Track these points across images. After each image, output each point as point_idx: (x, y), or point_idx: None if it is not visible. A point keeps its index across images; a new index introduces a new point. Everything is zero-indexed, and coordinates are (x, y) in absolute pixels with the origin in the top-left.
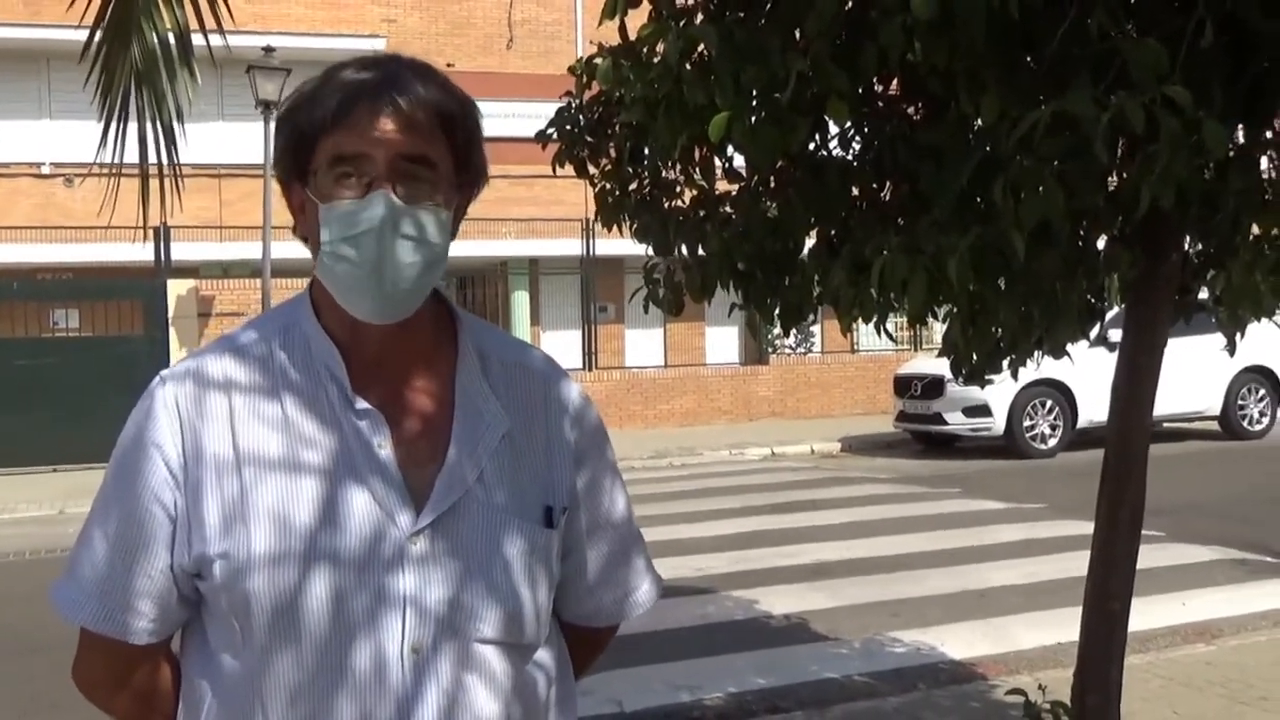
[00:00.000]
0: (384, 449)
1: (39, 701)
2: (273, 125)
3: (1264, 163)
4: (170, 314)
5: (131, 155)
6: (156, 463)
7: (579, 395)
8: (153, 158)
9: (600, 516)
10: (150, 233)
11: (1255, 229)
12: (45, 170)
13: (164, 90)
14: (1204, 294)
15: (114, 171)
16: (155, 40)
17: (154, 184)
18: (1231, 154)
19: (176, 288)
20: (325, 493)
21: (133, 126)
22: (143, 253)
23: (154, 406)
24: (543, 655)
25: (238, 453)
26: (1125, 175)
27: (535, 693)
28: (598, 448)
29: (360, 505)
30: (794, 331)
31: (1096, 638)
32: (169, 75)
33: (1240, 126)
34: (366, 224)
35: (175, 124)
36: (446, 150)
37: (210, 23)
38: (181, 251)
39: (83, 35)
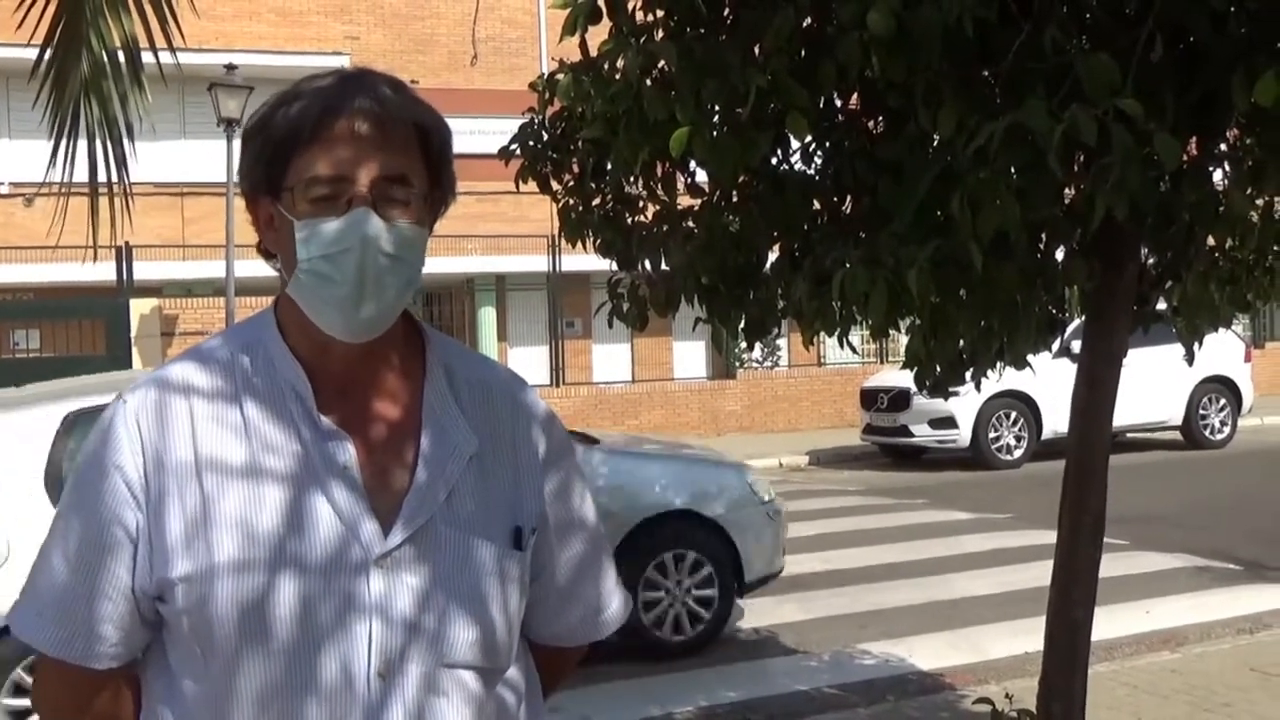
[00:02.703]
0: (349, 467)
1: None
2: (236, 143)
3: (1217, 175)
4: (133, 334)
5: (82, 174)
6: (116, 484)
7: (545, 408)
8: (103, 176)
9: (569, 524)
10: (112, 252)
11: (1210, 240)
12: (4, 190)
13: (114, 107)
14: (1162, 305)
15: (64, 190)
16: (104, 54)
17: (105, 202)
18: (1184, 166)
19: (139, 307)
20: (289, 501)
21: (83, 145)
22: (104, 272)
23: (114, 425)
24: (512, 674)
25: (199, 459)
26: (1081, 187)
27: (505, 712)
28: (565, 458)
29: (324, 516)
30: (759, 345)
31: (1060, 646)
32: (119, 91)
33: (1193, 139)
34: (347, 242)
35: (126, 141)
36: (422, 167)
37: (160, 41)
38: (144, 270)
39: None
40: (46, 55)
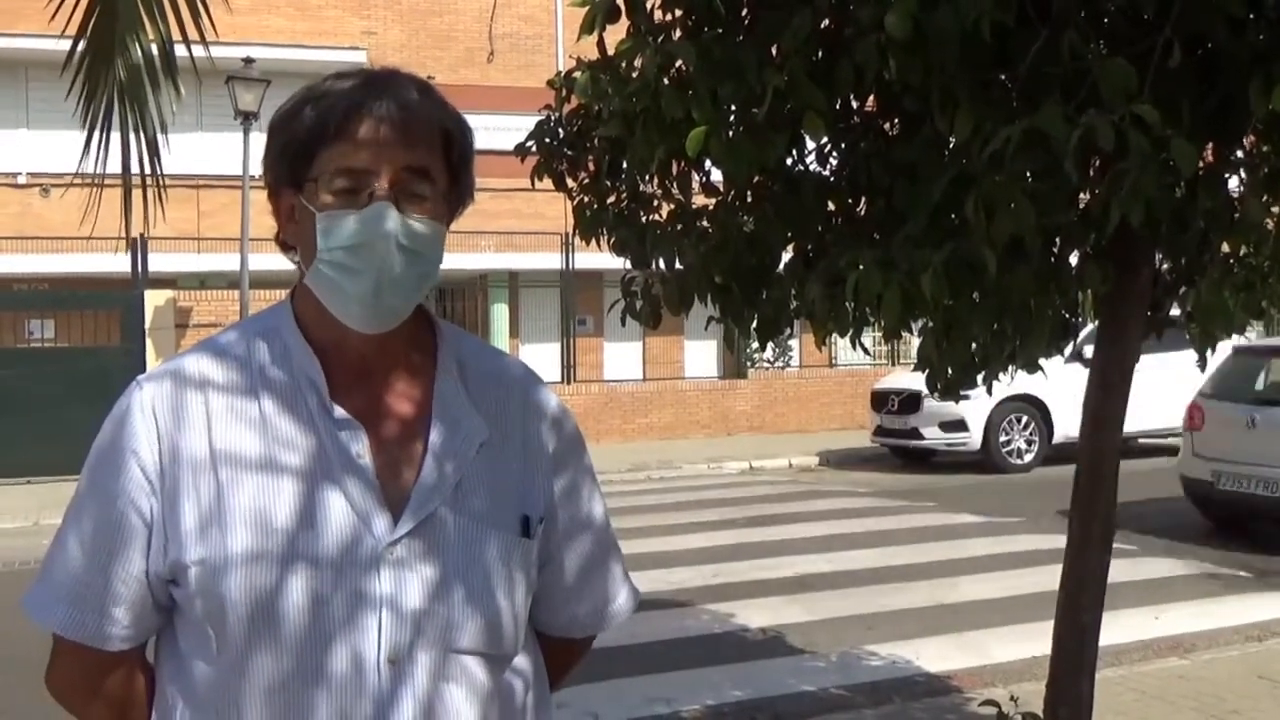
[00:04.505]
0: (362, 457)
1: (8, 715)
2: (253, 136)
3: (1233, 181)
4: (147, 325)
5: (114, 166)
6: (132, 468)
7: (557, 403)
8: (135, 169)
9: (578, 521)
10: (127, 244)
11: (1225, 246)
12: (22, 180)
13: (148, 104)
14: (1176, 310)
15: (96, 182)
16: (139, 55)
17: (136, 195)
18: (1200, 172)
19: (154, 299)
20: (303, 494)
21: (115, 137)
22: (120, 263)
23: (130, 411)
24: (520, 662)
25: (214, 452)
26: (1097, 192)
27: (513, 699)
28: (575, 454)
29: (338, 508)
30: (771, 345)
31: (1068, 650)
32: (153, 88)
33: (1210, 145)
34: (366, 236)
35: (159, 135)
36: (443, 166)
37: (193, 34)
38: (159, 262)
39: (62, 45)
40: (80, 46)
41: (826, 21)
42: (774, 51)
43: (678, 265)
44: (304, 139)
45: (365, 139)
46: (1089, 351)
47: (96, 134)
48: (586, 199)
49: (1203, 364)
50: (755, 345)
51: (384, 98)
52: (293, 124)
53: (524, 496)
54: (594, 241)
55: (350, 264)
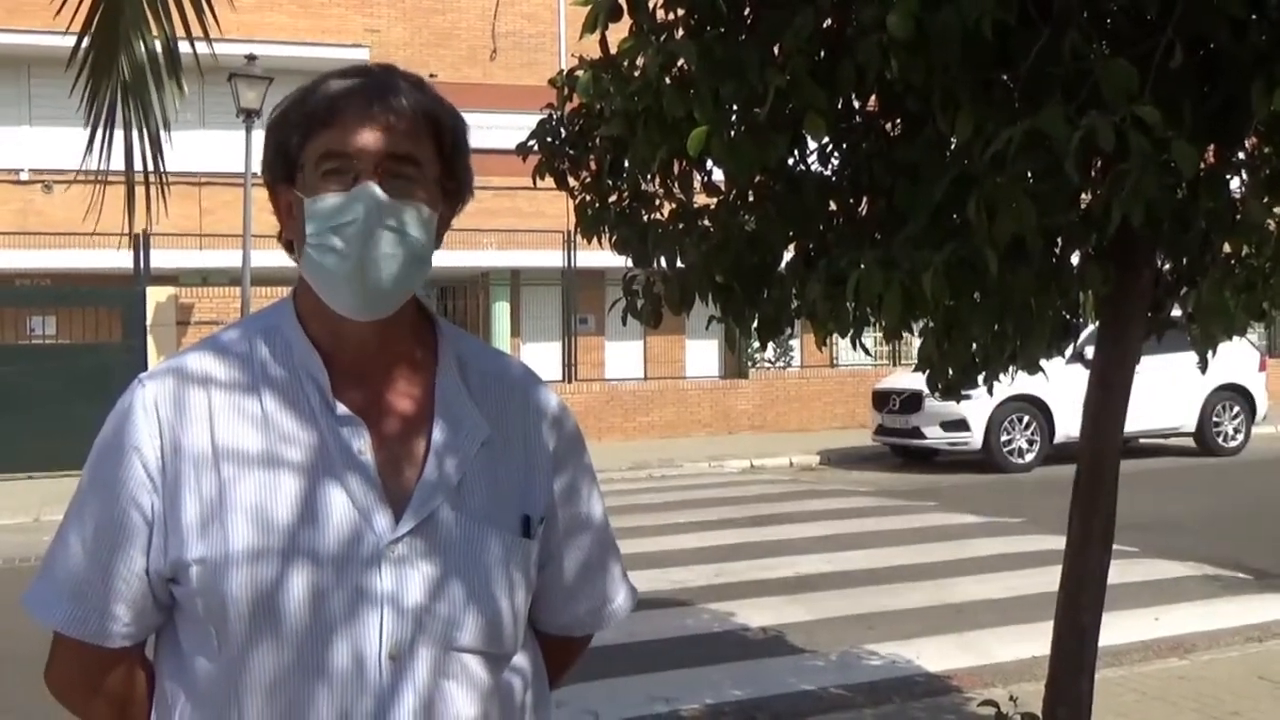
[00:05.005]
0: (364, 454)
1: (9, 713)
2: (255, 133)
3: (1234, 183)
4: (149, 322)
5: (117, 162)
6: (134, 465)
7: (557, 403)
8: (138, 165)
9: (578, 521)
10: (129, 240)
11: (1226, 247)
12: (24, 176)
13: (151, 101)
14: (1177, 311)
15: (99, 179)
16: (143, 51)
17: (139, 192)
18: (1202, 173)
19: (155, 295)
20: (304, 490)
21: (119, 133)
22: (122, 260)
23: (132, 408)
24: (519, 660)
25: (216, 449)
26: (1098, 193)
27: (512, 697)
28: (575, 454)
29: (339, 505)
30: (772, 345)
31: (1067, 650)
32: (156, 86)
33: (1211, 147)
34: (351, 215)
35: (161, 132)
36: (433, 153)
37: (197, 30)
38: (161, 259)
39: (65, 41)
40: (84, 43)
41: (829, 21)
42: (776, 51)
43: (679, 264)
44: (294, 131)
45: (352, 125)
46: (1090, 352)
47: (100, 130)
48: (588, 198)
49: (1203, 365)
50: (756, 345)
51: (372, 88)
52: (286, 122)
53: (525, 496)
54: (596, 240)
55: (336, 245)
